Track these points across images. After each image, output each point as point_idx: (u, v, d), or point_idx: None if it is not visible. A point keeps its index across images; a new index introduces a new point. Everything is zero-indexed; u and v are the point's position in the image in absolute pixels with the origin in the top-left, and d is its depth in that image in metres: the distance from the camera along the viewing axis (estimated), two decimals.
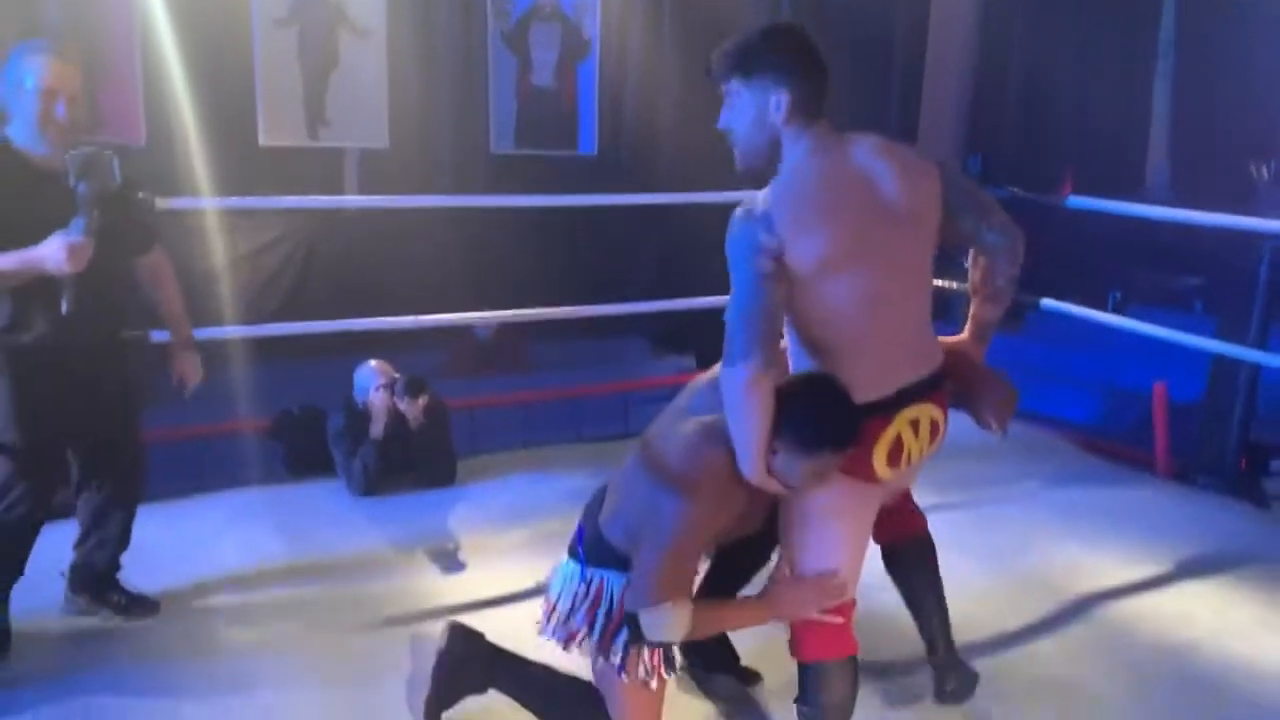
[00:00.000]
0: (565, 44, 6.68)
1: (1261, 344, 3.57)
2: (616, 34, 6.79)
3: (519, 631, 2.62)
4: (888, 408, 1.85)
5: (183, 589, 2.76)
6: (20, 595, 2.48)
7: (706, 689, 2.33)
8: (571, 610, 1.96)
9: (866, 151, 1.87)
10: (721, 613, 2.00)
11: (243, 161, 5.93)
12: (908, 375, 1.88)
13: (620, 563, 1.91)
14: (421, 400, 3.52)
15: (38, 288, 2.23)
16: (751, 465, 1.76)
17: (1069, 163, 8.04)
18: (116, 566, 2.64)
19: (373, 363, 3.72)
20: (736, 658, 2.35)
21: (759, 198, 1.81)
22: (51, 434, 2.39)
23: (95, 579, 2.61)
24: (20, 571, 2.44)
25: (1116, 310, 8.20)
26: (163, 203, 3.34)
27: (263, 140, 6.03)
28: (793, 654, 1.98)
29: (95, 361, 2.43)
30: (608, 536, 1.93)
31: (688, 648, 2.26)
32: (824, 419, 1.76)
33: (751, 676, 2.37)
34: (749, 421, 1.75)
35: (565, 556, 2.05)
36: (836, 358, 1.84)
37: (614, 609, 1.91)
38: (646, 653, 1.91)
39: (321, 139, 6.24)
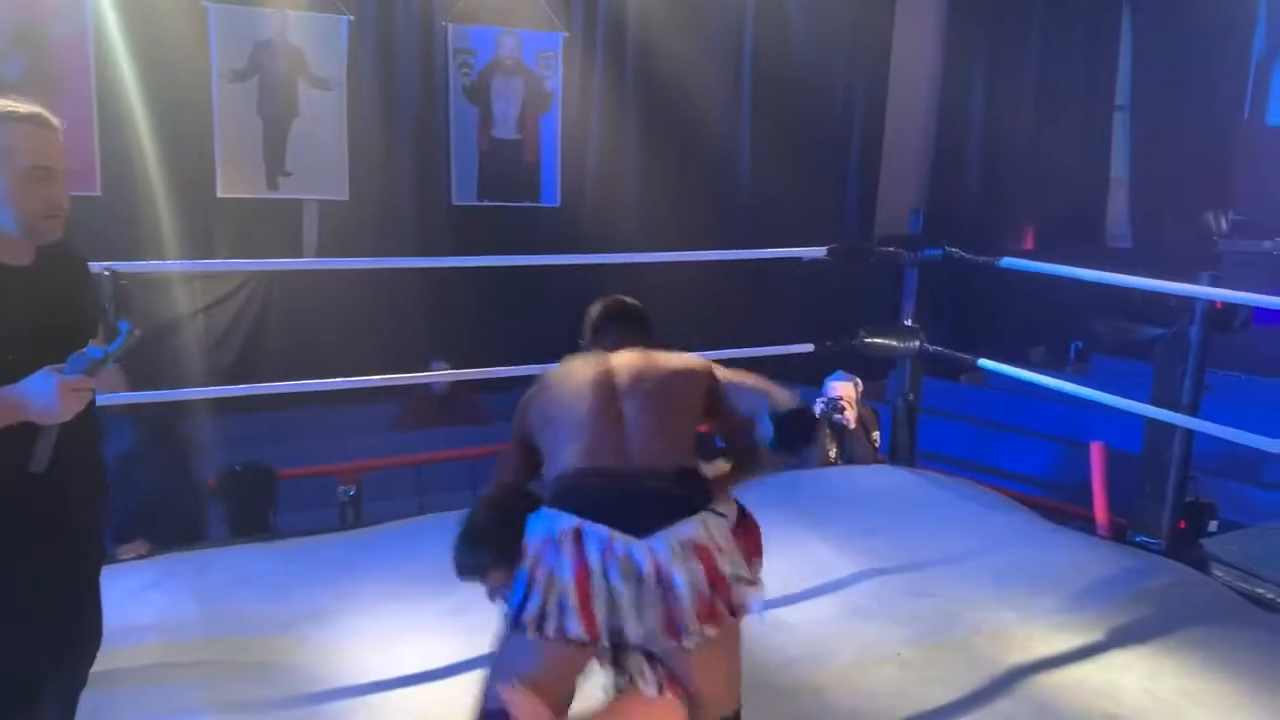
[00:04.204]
0: (527, 96, 6.74)
1: (1194, 406, 3.59)
2: (579, 87, 6.86)
3: (442, 708, 2.60)
4: None
5: None
6: None
7: None
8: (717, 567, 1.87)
9: None
10: None
11: (201, 213, 5.94)
12: None
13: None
14: None
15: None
16: None
17: (1030, 220, 8.16)
18: None
19: None
20: None
21: None
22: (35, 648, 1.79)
23: None
24: None
25: (1079, 359, 8.28)
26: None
27: (221, 192, 6.05)
28: None
29: (77, 533, 1.85)
30: (692, 465, 2.03)
31: None
32: None
33: None
34: None
35: (657, 543, 1.84)
36: None
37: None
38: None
39: (281, 190, 6.26)
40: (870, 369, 5.26)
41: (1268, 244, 8.09)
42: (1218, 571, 3.57)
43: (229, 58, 5.98)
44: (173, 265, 5.66)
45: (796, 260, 4.82)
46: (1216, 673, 2.84)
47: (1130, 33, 8.67)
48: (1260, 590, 3.42)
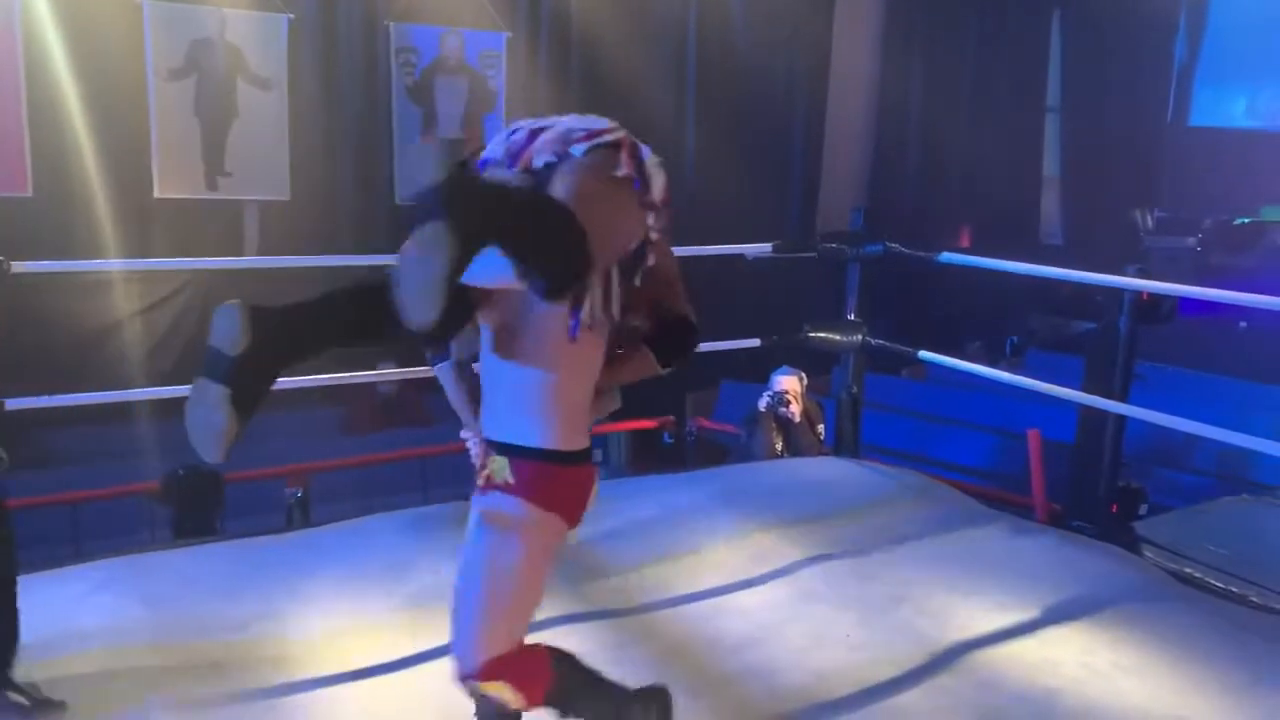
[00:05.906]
0: (471, 96, 6.73)
1: (1124, 395, 3.73)
2: (523, 86, 6.87)
3: (393, 701, 2.61)
4: None
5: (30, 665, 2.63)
6: None
7: None
8: None
9: None
10: None
11: (137, 213, 5.83)
12: None
13: None
14: None
15: None
16: None
17: (966, 218, 8.39)
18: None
19: None
20: None
21: None
22: None
23: None
24: None
25: (1014, 353, 8.52)
26: (19, 267, 3.24)
27: (158, 192, 5.94)
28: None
29: None
30: None
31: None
32: None
33: None
34: None
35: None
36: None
37: None
38: None
39: (221, 190, 6.17)
40: (815, 363, 5.36)
41: (1191, 240, 8.40)
42: (1148, 552, 3.72)
43: (165, 56, 5.88)
44: (113, 264, 5.55)
45: (741, 256, 4.90)
46: (1148, 646, 2.96)
47: (1059, 37, 8.95)
48: (1188, 569, 3.57)
